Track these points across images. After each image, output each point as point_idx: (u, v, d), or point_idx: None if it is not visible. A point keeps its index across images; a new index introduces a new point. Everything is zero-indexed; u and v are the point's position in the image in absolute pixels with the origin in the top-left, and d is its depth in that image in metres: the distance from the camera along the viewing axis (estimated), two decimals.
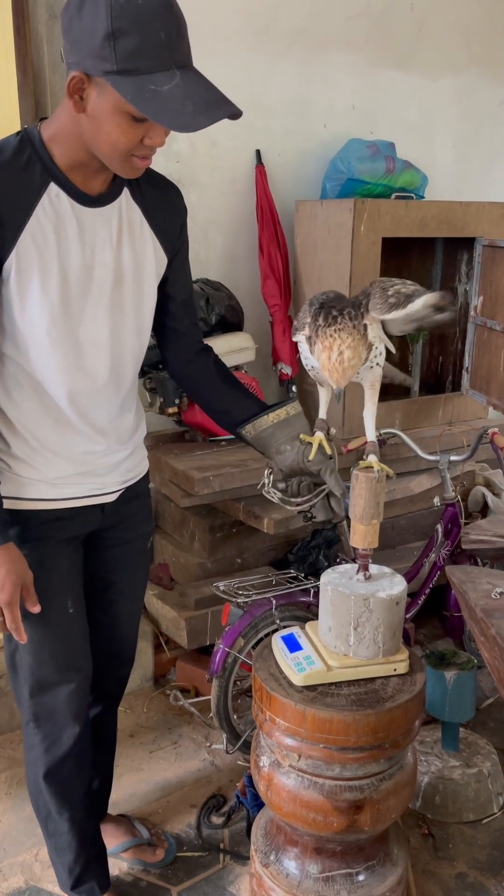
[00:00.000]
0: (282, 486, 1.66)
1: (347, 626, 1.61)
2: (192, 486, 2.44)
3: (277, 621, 2.21)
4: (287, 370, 2.87)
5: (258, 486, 1.70)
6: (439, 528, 2.63)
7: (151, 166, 1.43)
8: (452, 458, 2.57)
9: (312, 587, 2.29)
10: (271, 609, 2.20)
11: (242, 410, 1.67)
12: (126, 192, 1.45)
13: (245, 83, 2.86)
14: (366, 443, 1.65)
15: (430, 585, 2.62)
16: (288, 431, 1.64)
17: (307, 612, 2.33)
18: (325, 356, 1.41)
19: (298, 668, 1.62)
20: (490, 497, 3.18)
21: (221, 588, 2.25)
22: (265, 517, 2.49)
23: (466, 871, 1.96)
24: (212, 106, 1.21)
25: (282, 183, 3.00)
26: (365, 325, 1.47)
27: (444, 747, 2.23)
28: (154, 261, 1.53)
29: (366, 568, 1.66)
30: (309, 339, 1.51)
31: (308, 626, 1.77)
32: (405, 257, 3.19)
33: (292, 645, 1.70)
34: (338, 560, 2.70)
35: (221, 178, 2.90)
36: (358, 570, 1.67)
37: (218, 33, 2.73)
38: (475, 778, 2.13)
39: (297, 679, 1.60)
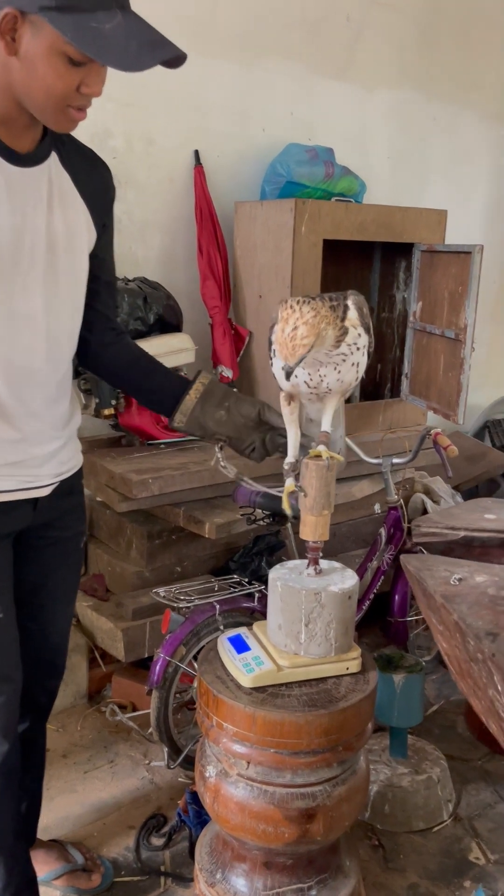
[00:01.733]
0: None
1: (298, 622, 1.53)
2: (130, 489, 2.34)
3: (221, 627, 2.12)
4: (228, 373, 2.80)
5: (211, 463, 1.63)
6: (382, 532, 2.59)
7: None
8: (395, 460, 2.54)
9: (257, 592, 2.21)
10: (214, 615, 2.11)
11: (171, 391, 1.59)
12: (55, 157, 1.37)
13: (183, 82, 2.82)
14: (326, 435, 1.59)
15: (374, 591, 2.57)
16: (213, 400, 1.58)
17: (251, 618, 2.24)
18: (278, 329, 1.34)
19: (247, 669, 1.53)
20: (430, 504, 3.16)
21: (161, 594, 2.14)
22: (206, 522, 2.40)
23: (418, 881, 1.89)
24: (157, 46, 1.14)
25: (221, 185, 2.95)
26: (346, 307, 1.40)
27: (392, 754, 2.16)
28: (86, 232, 1.44)
29: (316, 562, 1.59)
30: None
31: (256, 626, 1.68)
32: (343, 265, 3.19)
33: (240, 646, 1.61)
34: None
35: (159, 177, 2.84)
36: (308, 565, 1.60)
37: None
38: (424, 785, 2.07)
39: (246, 681, 1.51)
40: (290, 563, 1.66)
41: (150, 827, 2.03)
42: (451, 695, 2.69)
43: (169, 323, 2.66)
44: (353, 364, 1.47)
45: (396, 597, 2.64)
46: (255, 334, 2.85)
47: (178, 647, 2.09)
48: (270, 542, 2.61)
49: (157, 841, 1.99)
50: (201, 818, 1.98)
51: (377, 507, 3.17)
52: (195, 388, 1.57)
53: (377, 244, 3.18)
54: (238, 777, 1.53)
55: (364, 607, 2.55)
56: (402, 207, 2.88)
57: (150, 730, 2.11)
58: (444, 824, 2.07)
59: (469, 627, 1.14)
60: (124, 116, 2.71)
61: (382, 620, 2.81)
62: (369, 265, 3.31)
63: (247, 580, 2.31)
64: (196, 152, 2.88)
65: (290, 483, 1.58)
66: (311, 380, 1.45)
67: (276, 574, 1.59)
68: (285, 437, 1.59)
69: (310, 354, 1.37)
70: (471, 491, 3.61)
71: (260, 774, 1.51)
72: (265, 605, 2.29)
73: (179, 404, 1.55)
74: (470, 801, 2.16)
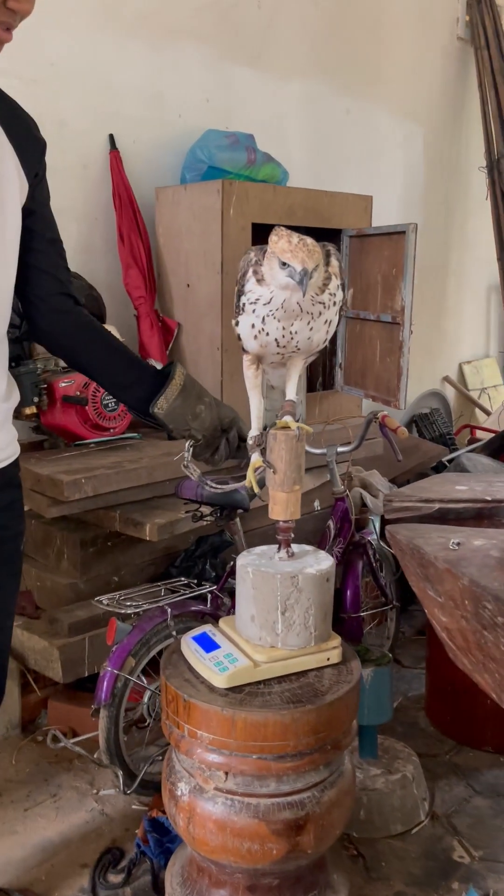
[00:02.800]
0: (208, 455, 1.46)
1: (274, 611, 1.38)
2: (61, 491, 2.12)
3: (174, 633, 1.94)
4: (157, 366, 2.62)
5: (175, 458, 1.47)
6: (331, 524, 2.47)
7: None
8: (340, 449, 2.43)
9: (209, 593, 2.04)
10: (166, 620, 1.92)
11: (140, 375, 1.43)
12: None
13: (93, 62, 2.66)
14: (292, 404, 1.45)
15: None
16: (193, 394, 1.43)
17: (202, 622, 2.07)
18: (283, 242, 1.20)
19: (220, 668, 1.36)
20: (369, 499, 3.07)
21: (105, 602, 1.94)
22: (146, 523, 2.21)
23: (404, 888, 1.75)
24: None
25: (139, 172, 2.80)
26: (328, 253, 1.29)
27: (362, 755, 2.03)
28: (17, 181, 1.27)
29: (288, 544, 1.45)
30: (256, 272, 1.28)
31: (222, 622, 1.52)
32: None
33: (207, 644, 1.44)
34: (227, 568, 2.47)
35: (72, 161, 2.65)
36: (279, 548, 1.45)
37: (61, 3, 2.52)
38: (400, 784, 1.94)
39: (220, 680, 1.34)
40: (258, 550, 1.50)
41: (106, 863, 1.81)
42: (408, 691, 2.59)
43: (92, 314, 2.46)
44: (325, 321, 1.34)
45: (348, 592, 2.51)
46: (183, 326, 2.69)
47: (127, 659, 1.89)
48: (214, 542, 2.45)
49: (116, 878, 1.78)
50: (163, 847, 1.78)
51: (317, 504, 3.05)
52: (178, 376, 1.41)
53: (304, 230, 3.09)
54: (216, 792, 1.35)
55: None
56: (329, 192, 2.80)
57: (98, 754, 1.90)
58: (422, 825, 1.94)
59: (485, 590, 1.02)
60: (32, 95, 2.51)
61: (336, 616, 2.68)
62: None
63: (195, 582, 2.13)
64: (111, 136, 2.72)
65: (255, 458, 1.44)
66: (282, 336, 1.32)
67: (245, 560, 1.43)
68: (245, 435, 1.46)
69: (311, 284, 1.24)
70: (404, 484, 3.55)
71: (241, 785, 1.34)
72: (217, 607, 2.13)
73: (164, 390, 1.38)
74: (444, 798, 2.05)
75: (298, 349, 1.35)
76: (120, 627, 1.90)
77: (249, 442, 1.44)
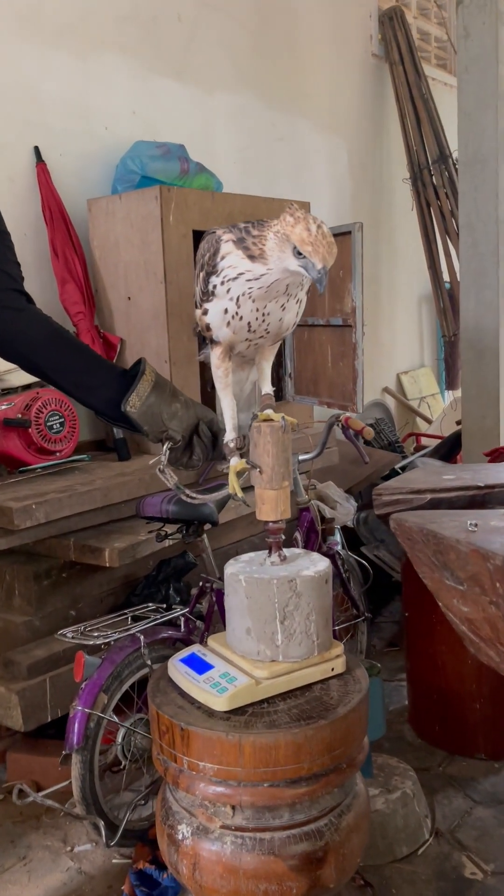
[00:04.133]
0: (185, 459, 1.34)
1: (272, 621, 1.25)
2: (10, 520, 1.95)
3: (148, 663, 1.78)
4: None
5: (150, 462, 1.34)
6: (298, 536, 2.36)
7: None
8: (302, 457, 2.34)
9: (181, 616, 1.89)
10: (139, 648, 1.77)
11: (105, 375, 1.31)
12: None
13: (15, 72, 2.53)
14: (269, 396, 1.34)
15: None
16: (166, 392, 1.31)
17: (174, 648, 1.92)
18: (301, 228, 1.08)
19: (218, 689, 1.23)
20: (326, 510, 2.98)
21: (69, 635, 1.77)
22: (105, 548, 2.05)
23: None
24: None
25: (68, 184, 2.67)
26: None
27: None
28: None
29: (279, 547, 1.33)
30: (243, 248, 1.16)
31: (210, 639, 1.38)
32: None
33: (199, 665, 1.30)
34: (192, 591, 2.33)
35: None
36: (270, 552, 1.33)
37: None
38: (401, 802, 1.82)
39: (221, 703, 1.21)
40: (245, 557, 1.38)
41: None
42: (389, 704, 2.48)
43: None
44: (297, 301, 1.25)
45: None
46: (127, 340, 2.56)
47: (99, 696, 1.72)
48: (177, 565, 2.30)
49: None
50: None
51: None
52: (148, 372, 1.29)
53: None
54: (223, 830, 1.21)
55: None
56: (268, 198, 2.74)
57: (71, 805, 1.72)
58: (427, 844, 1.83)
59: None
60: None
61: None
62: None
63: (163, 607, 1.98)
64: (36, 149, 2.59)
65: (235, 462, 1.32)
66: (255, 318, 1.22)
67: (234, 569, 1.31)
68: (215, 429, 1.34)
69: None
70: (357, 495, 3.48)
71: (251, 819, 1.20)
72: (191, 631, 1.98)
73: (135, 386, 1.26)
74: (445, 812, 1.94)
75: (268, 332, 1.25)
76: (88, 661, 1.73)
77: (230, 445, 1.32)
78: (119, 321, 2.58)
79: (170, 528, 1.99)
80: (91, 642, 1.74)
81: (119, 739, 1.80)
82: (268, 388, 1.37)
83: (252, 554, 1.39)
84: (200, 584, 2.05)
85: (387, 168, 4.48)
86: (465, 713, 2.10)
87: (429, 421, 4.61)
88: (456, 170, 3.85)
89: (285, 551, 1.35)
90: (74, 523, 2.12)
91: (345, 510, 3.11)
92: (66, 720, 1.72)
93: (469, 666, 2.07)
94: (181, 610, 1.92)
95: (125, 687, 1.79)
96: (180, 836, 1.24)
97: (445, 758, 2.17)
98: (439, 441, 3.79)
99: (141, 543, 2.09)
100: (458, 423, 3.53)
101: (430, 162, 4.23)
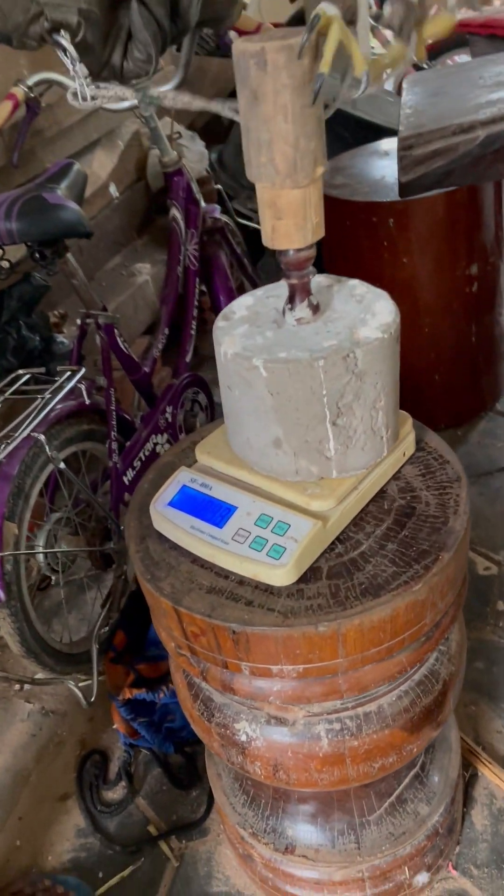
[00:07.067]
0: None
1: (320, 424, 0.74)
2: None
3: (54, 454, 1.23)
4: None
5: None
6: (177, 214, 1.71)
7: None
8: (153, 91, 1.56)
9: (83, 381, 1.31)
10: (38, 444, 1.21)
11: None
12: None
13: None
14: None
15: (195, 313, 1.76)
16: None
17: (93, 422, 1.37)
18: None
19: (269, 550, 0.74)
20: (183, 166, 2.27)
21: None
22: None
23: None
24: None
25: None
26: None
27: None
28: None
29: (307, 291, 0.75)
30: None
31: (201, 453, 0.85)
32: None
33: (209, 509, 0.80)
34: (62, 335, 1.71)
35: None
36: (293, 302, 0.75)
37: None
38: None
39: (283, 574, 0.74)
40: (240, 312, 0.80)
41: (88, 783, 1.31)
42: None
43: None
44: None
45: (222, 305, 1.86)
46: None
47: (4, 529, 1.19)
48: (23, 293, 1.61)
49: (114, 794, 1.29)
50: (162, 729, 1.30)
51: (114, 190, 2.21)
52: None
53: None
54: (310, 719, 0.83)
55: (190, 349, 1.75)
56: None
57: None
58: None
59: None
60: None
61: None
62: None
63: (42, 373, 1.37)
64: None
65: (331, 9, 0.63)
66: None
67: (238, 346, 0.74)
68: None
69: None
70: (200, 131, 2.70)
71: (352, 700, 0.82)
72: (91, 391, 1.41)
73: None
74: None
75: None
76: None
77: None
78: None
79: (14, 257, 1.29)
80: None
81: (41, 560, 1.33)
82: None
83: (246, 301, 0.81)
84: (80, 322, 1.43)
85: None
86: (424, 387, 1.78)
87: None
88: None
89: (318, 283, 0.77)
90: None
91: (195, 154, 2.41)
92: None
93: (426, 336, 1.70)
94: (69, 372, 1.32)
95: (34, 497, 1.26)
96: (243, 737, 0.86)
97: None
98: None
99: None
100: None
101: None
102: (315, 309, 0.75)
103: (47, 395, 1.24)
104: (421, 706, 0.85)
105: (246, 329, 0.76)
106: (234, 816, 1.04)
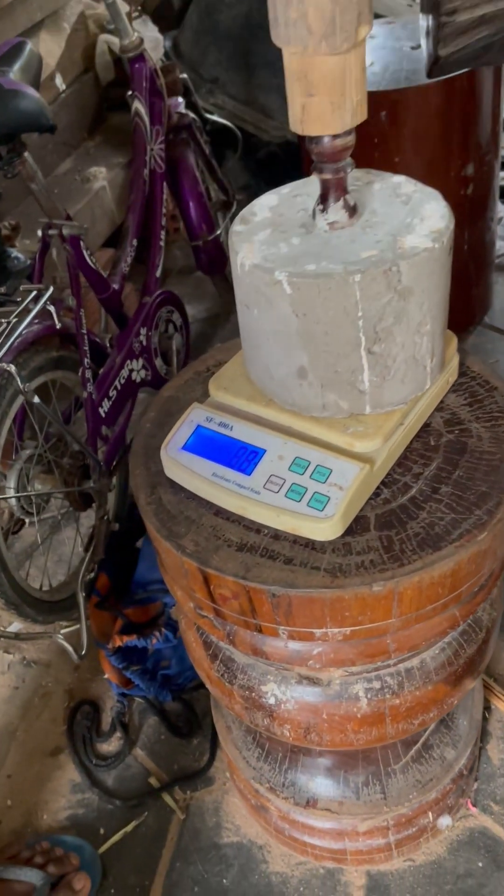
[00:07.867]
0: None
1: (353, 352, 0.62)
2: None
3: (24, 387, 1.09)
4: None
5: None
6: (140, 108, 1.52)
7: None
8: None
9: (48, 303, 1.15)
10: (8, 377, 1.06)
11: None
12: None
13: None
14: None
15: (162, 220, 1.58)
16: None
17: (62, 349, 1.23)
18: None
19: (309, 500, 0.64)
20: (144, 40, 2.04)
21: None
22: None
23: None
24: None
25: None
26: None
27: None
28: None
29: (343, 189, 0.62)
30: None
31: (214, 384, 0.73)
32: None
33: (231, 453, 0.68)
34: (16, 251, 1.53)
35: None
36: (325, 202, 0.62)
37: None
38: None
39: (329, 528, 0.64)
40: (264, 205, 0.66)
41: (81, 736, 1.23)
42: None
43: None
44: None
45: (192, 204, 1.70)
46: None
47: None
48: None
49: (108, 746, 1.22)
50: (156, 677, 1.22)
51: (60, 82, 1.97)
52: None
53: None
54: (347, 678, 0.75)
55: (160, 263, 1.58)
56: None
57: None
58: None
59: None
60: None
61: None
62: None
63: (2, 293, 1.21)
64: None
65: None
66: None
67: (258, 256, 0.61)
68: None
69: None
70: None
71: (397, 659, 0.74)
72: (59, 310, 1.25)
73: None
74: None
75: None
76: None
77: None
78: None
79: None
80: None
81: (13, 503, 1.20)
82: None
83: (269, 200, 0.68)
84: (41, 233, 1.25)
85: None
86: None
87: None
88: None
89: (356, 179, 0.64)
90: None
91: (149, 42, 2.18)
92: None
93: None
94: (35, 291, 1.16)
95: (3, 435, 1.13)
96: (271, 700, 0.77)
97: None
98: None
99: None
100: None
101: None
102: (352, 211, 0.62)
103: (13, 319, 1.09)
104: (464, 657, 0.78)
105: (268, 235, 0.63)
106: (247, 771, 0.98)
